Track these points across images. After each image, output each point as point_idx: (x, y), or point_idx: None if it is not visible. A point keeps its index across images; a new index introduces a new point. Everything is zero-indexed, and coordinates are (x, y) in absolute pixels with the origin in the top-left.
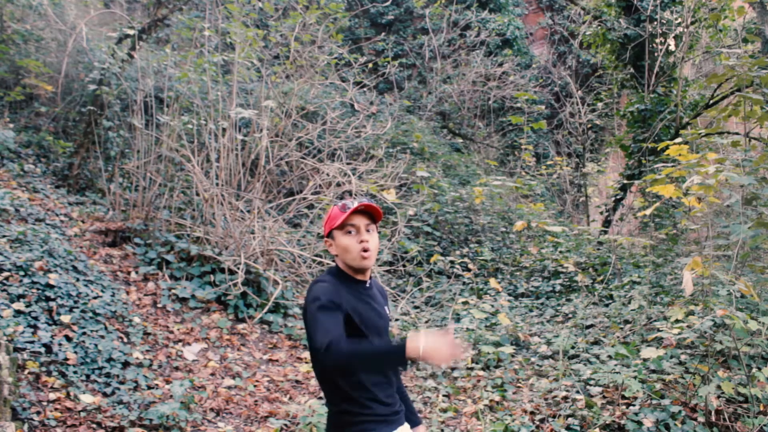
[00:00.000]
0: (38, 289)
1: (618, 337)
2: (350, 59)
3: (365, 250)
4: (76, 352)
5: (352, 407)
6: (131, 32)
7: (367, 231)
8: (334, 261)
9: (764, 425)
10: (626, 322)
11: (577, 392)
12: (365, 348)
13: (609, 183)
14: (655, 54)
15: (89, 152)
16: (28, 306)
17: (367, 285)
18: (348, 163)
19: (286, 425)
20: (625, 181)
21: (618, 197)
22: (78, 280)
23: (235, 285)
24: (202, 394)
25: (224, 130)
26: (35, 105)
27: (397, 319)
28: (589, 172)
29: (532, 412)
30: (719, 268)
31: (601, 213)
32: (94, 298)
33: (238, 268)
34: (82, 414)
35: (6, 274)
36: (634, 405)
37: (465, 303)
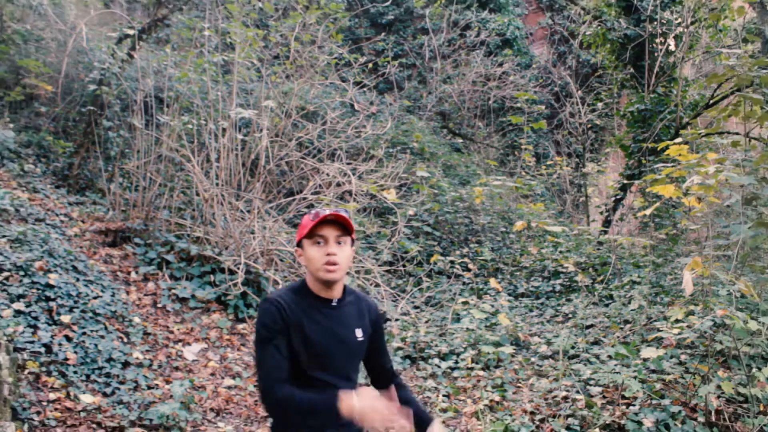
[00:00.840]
0: (38, 289)
1: (618, 337)
2: (350, 59)
3: (331, 264)
4: (76, 352)
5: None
6: (131, 32)
7: (337, 243)
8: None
9: (764, 425)
10: (626, 322)
11: (577, 392)
12: (300, 400)
13: (609, 183)
14: (655, 54)
15: (89, 152)
16: (28, 306)
17: (333, 303)
18: (348, 163)
19: None
20: (625, 181)
21: (618, 197)
22: (78, 280)
23: (235, 285)
24: (202, 394)
25: (224, 130)
26: (35, 105)
27: (397, 319)
28: (589, 172)
29: (532, 412)
30: (719, 268)
31: (601, 213)
32: (94, 298)
33: (238, 268)
34: (82, 414)
35: (6, 274)
36: (634, 405)
37: (465, 303)
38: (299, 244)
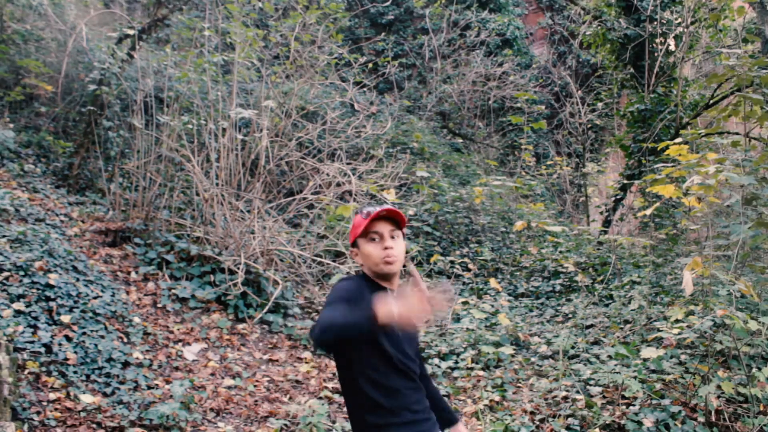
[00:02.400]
0: (38, 289)
1: (618, 337)
2: (350, 59)
3: (389, 257)
4: (76, 352)
5: (379, 418)
6: (131, 32)
7: (392, 237)
8: (334, 261)
9: (764, 425)
10: (626, 322)
11: (577, 392)
12: (338, 319)
13: (609, 183)
14: (655, 54)
15: (89, 152)
16: (28, 306)
17: (394, 294)
18: (348, 163)
19: (286, 425)
20: (625, 181)
21: (618, 197)
22: (78, 280)
23: (235, 285)
24: (202, 394)
25: (224, 130)
26: (35, 105)
27: None
28: (589, 172)
29: (532, 412)
30: (719, 268)
31: (601, 213)
32: (94, 298)
33: (238, 268)
34: (82, 414)
35: (6, 274)
36: (634, 405)
37: (465, 303)
38: (354, 245)
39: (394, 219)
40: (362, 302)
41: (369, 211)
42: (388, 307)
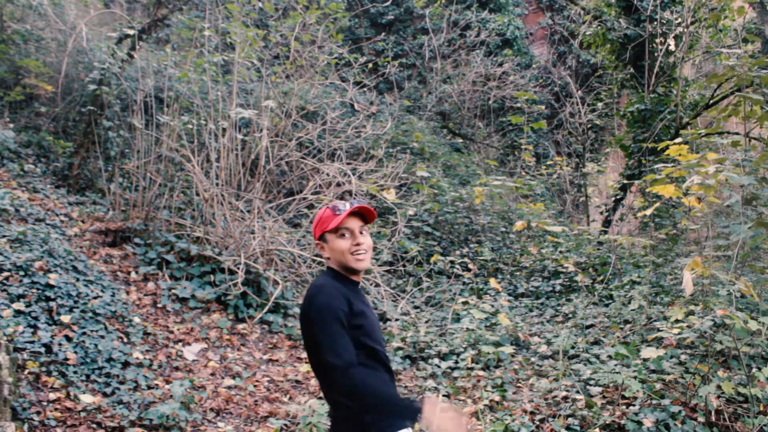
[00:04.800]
0: (38, 289)
1: (618, 337)
2: (350, 59)
3: (361, 252)
4: (76, 352)
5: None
6: (131, 32)
7: (361, 233)
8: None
9: (764, 425)
10: (626, 322)
11: (577, 392)
12: (382, 390)
13: (609, 183)
14: (655, 54)
15: (89, 152)
16: (28, 306)
17: (359, 286)
18: (348, 163)
19: (286, 425)
20: (625, 181)
21: (618, 197)
22: (78, 280)
23: (235, 285)
24: (202, 394)
25: (224, 130)
26: (35, 105)
27: (397, 319)
28: (589, 172)
29: (532, 412)
30: (719, 268)
31: (601, 213)
32: (94, 298)
33: (238, 268)
34: (82, 414)
35: (6, 274)
36: (634, 405)
37: (465, 303)
38: (321, 238)
39: (362, 215)
40: (347, 305)
41: (340, 207)
42: (433, 413)
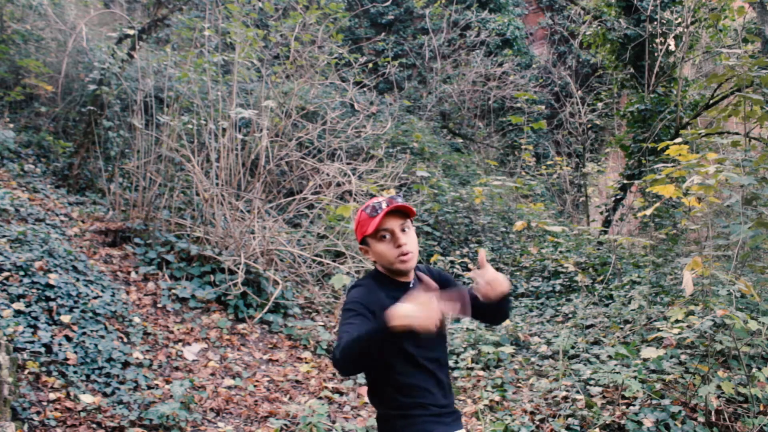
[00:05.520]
0: (38, 289)
1: (618, 337)
2: (350, 59)
3: (404, 254)
4: (76, 352)
5: (405, 413)
6: (131, 32)
7: (403, 231)
8: (334, 261)
9: (764, 425)
10: (626, 322)
11: (577, 392)
12: (358, 335)
13: (609, 183)
14: (655, 54)
15: (89, 152)
16: (28, 306)
17: (411, 285)
18: (348, 163)
19: (286, 425)
20: (625, 181)
21: (618, 197)
22: (78, 280)
23: (235, 285)
24: (202, 394)
25: (224, 130)
26: (35, 105)
27: None
28: (589, 172)
29: (532, 412)
30: (719, 268)
31: (601, 213)
32: (94, 298)
33: (238, 268)
34: (82, 414)
35: (6, 274)
36: (634, 405)
37: None
38: (363, 242)
39: (402, 212)
40: (377, 307)
41: (375, 207)
42: (401, 312)
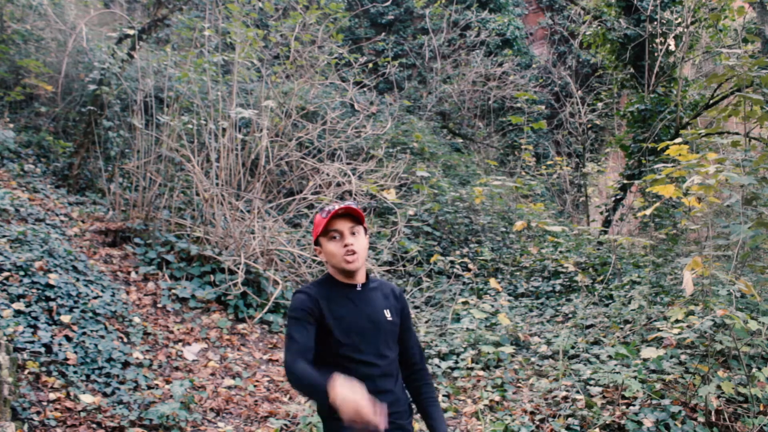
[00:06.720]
0: (38, 289)
1: (618, 337)
2: (350, 59)
3: (350, 254)
4: (76, 352)
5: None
6: (131, 32)
7: (352, 234)
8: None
9: (764, 425)
10: (626, 322)
11: (577, 392)
12: (305, 377)
13: (609, 183)
14: (655, 54)
15: (89, 152)
16: (28, 306)
17: (358, 288)
18: (348, 163)
19: (286, 425)
20: (625, 181)
21: (618, 197)
22: (78, 280)
23: (235, 285)
24: (202, 394)
25: (224, 130)
26: (35, 105)
27: None
28: (589, 172)
29: (532, 412)
30: (719, 268)
31: (601, 213)
32: (94, 298)
33: (238, 268)
34: (82, 414)
35: (6, 274)
36: (634, 405)
37: (465, 303)
38: (317, 243)
39: (352, 215)
40: (318, 311)
41: (328, 209)
42: (336, 390)
